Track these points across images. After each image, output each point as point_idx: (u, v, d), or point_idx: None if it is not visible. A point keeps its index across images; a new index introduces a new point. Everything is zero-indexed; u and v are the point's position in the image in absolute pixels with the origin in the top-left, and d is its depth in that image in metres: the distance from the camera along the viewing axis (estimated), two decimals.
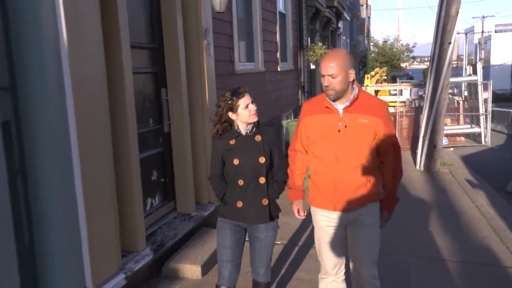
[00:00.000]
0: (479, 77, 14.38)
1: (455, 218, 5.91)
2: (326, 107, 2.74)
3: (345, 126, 2.69)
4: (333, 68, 2.61)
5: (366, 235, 2.85)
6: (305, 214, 2.92)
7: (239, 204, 2.90)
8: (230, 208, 2.94)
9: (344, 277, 2.98)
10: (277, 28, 8.59)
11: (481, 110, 14.08)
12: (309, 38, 11.57)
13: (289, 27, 9.72)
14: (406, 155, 11.19)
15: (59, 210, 2.82)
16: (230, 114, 2.85)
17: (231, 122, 2.89)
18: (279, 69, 8.62)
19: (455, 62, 58.53)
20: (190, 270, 4.05)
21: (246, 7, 7.17)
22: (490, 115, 14.16)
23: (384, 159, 2.82)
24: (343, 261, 2.96)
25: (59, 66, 2.77)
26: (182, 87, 4.73)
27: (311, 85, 12.25)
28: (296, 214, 2.90)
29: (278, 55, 8.68)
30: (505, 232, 5.34)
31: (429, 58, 9.83)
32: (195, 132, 4.98)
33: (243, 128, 2.89)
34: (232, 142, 2.88)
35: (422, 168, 9.39)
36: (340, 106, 2.72)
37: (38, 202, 2.65)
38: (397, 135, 13.02)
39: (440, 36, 9.07)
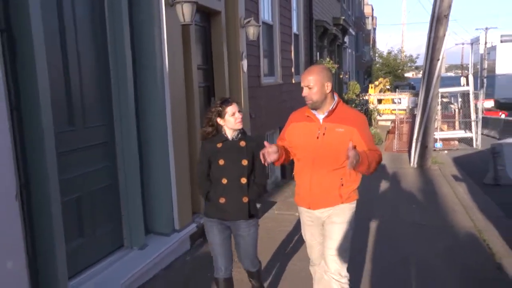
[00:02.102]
0: (470, 87, 15.92)
1: (435, 200, 7.48)
2: (307, 116, 3.00)
3: (323, 134, 2.91)
4: (310, 81, 2.87)
5: (333, 233, 3.02)
6: (273, 149, 2.87)
7: (222, 200, 3.14)
8: (213, 204, 3.19)
9: None
10: (292, 47, 10.26)
11: (473, 116, 15.60)
12: (318, 53, 13.21)
13: (302, 46, 11.38)
14: (404, 156, 12.81)
15: (160, 167, 4.54)
16: (219, 120, 3.12)
17: (219, 127, 3.16)
18: (293, 81, 10.25)
19: (459, 71, 59.90)
20: None
21: (268, 32, 8.84)
22: (481, 121, 15.64)
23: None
24: None
25: (163, 80, 4.48)
26: (226, 96, 6.38)
27: None
28: (266, 143, 2.89)
29: (292, 70, 10.33)
30: (472, 209, 6.91)
31: None
32: None
33: (229, 134, 3.15)
34: (219, 145, 3.13)
35: (415, 166, 10.96)
36: (320, 116, 2.96)
37: (149, 161, 4.36)
38: (397, 140, 14.54)
39: (431, 53, 10.68)
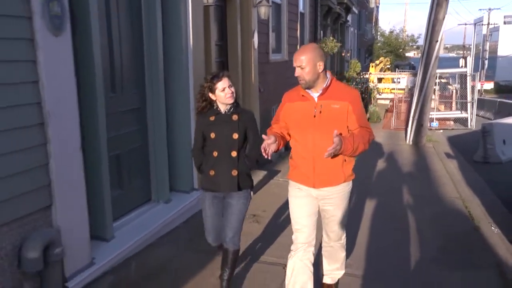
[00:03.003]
0: (468, 69, 16.41)
1: (427, 174, 8.12)
2: (302, 95, 2.98)
3: (320, 112, 2.90)
4: (302, 61, 2.84)
5: (334, 211, 3.11)
6: (272, 140, 2.85)
7: (212, 172, 3.21)
8: (206, 176, 3.27)
9: (312, 257, 3.11)
10: (298, 25, 10.75)
11: (469, 98, 16.16)
12: (322, 32, 13.69)
13: (307, 24, 11.86)
14: (401, 133, 13.39)
15: (183, 131, 5.17)
16: (210, 95, 3.17)
17: (211, 102, 3.20)
18: None
19: (461, 52, 60.01)
20: None
21: (276, 11, 9.32)
22: (476, 102, 16.21)
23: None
24: (313, 235, 3.13)
25: (188, 55, 5.06)
26: (239, 71, 6.94)
27: None
28: (265, 137, 2.86)
29: (298, 47, 10.84)
30: (459, 183, 7.55)
31: None
32: (247, 102, 7.20)
33: (222, 108, 3.19)
34: (212, 118, 3.18)
35: (411, 143, 11.55)
36: (315, 94, 2.94)
37: (174, 126, 4.96)
38: (395, 118, 15.09)
39: (430, 35, 11.16)
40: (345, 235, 3.32)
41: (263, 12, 7.28)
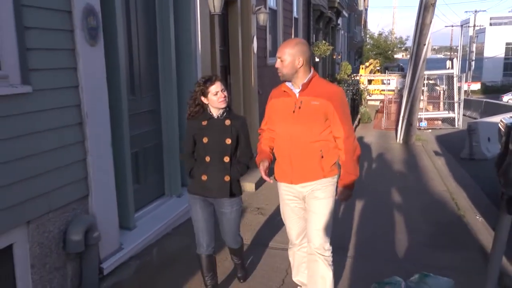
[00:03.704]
0: (455, 71, 17.02)
1: (416, 169, 8.63)
2: (284, 91, 3.01)
3: (299, 108, 2.92)
4: (283, 53, 2.88)
5: (317, 208, 3.02)
6: (270, 178, 2.98)
7: (204, 177, 3.15)
8: (197, 181, 3.20)
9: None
10: (292, 30, 11.23)
11: (456, 98, 16.76)
12: (314, 36, 14.18)
13: (300, 28, 12.35)
14: (391, 133, 13.92)
15: None
16: (203, 98, 3.12)
17: (204, 106, 3.16)
18: None
19: (449, 53, 61.00)
20: (249, 186, 6.69)
21: (273, 17, 9.79)
22: (462, 103, 16.83)
23: (338, 141, 2.97)
24: (305, 232, 3.19)
25: (196, 61, 5.48)
26: (240, 75, 7.38)
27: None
28: (263, 174, 2.96)
29: None
30: (447, 177, 8.06)
31: None
32: (248, 103, 7.64)
33: (215, 112, 3.15)
34: (204, 123, 3.13)
35: (401, 141, 12.07)
36: (296, 90, 2.96)
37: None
38: (385, 118, 15.66)
39: (418, 38, 11.70)
40: (329, 246, 3.09)
41: (262, 19, 7.73)
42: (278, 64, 2.93)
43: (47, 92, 3.10)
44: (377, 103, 19.28)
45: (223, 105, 3.12)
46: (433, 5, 11.36)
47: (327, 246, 3.05)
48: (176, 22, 5.19)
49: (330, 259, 3.08)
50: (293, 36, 11.30)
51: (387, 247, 4.64)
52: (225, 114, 3.17)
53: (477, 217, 5.77)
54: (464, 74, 17.87)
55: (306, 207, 3.09)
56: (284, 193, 3.16)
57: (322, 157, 2.96)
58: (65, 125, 3.31)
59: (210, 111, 3.16)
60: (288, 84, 2.98)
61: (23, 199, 2.96)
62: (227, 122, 3.15)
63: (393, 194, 6.76)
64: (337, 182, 3.07)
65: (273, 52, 9.94)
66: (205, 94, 3.10)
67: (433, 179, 7.84)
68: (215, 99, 3.08)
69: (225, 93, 3.14)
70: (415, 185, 7.41)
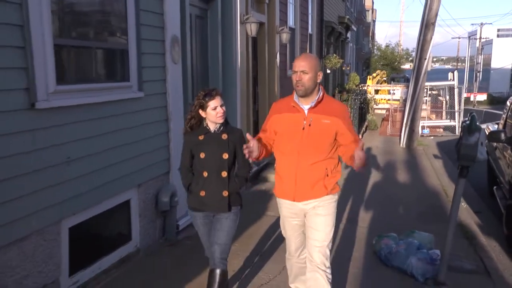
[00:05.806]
0: (455, 82, 18.26)
1: (416, 169, 9.93)
2: (293, 106, 2.93)
3: (309, 125, 2.87)
4: (305, 66, 2.82)
5: (319, 225, 3.00)
6: (255, 147, 2.85)
7: (202, 193, 3.12)
8: (195, 196, 3.17)
9: (305, 258, 3.18)
10: (307, 45, 12.62)
11: (456, 107, 17.99)
12: (326, 49, 15.57)
13: (314, 43, 13.74)
14: (395, 139, 15.11)
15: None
16: (201, 111, 3.08)
17: (201, 120, 3.12)
18: None
19: (455, 64, 61.83)
20: (272, 177, 8.01)
21: (292, 35, 11.17)
22: (463, 112, 18.04)
23: (350, 145, 2.92)
24: (304, 245, 3.21)
25: (236, 74, 6.85)
26: (266, 85, 8.77)
27: (326, 83, 16.27)
28: (248, 135, 2.93)
29: None
30: (442, 175, 9.34)
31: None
32: None
33: (212, 126, 3.12)
34: (201, 137, 3.09)
35: (404, 146, 13.32)
36: (305, 106, 2.90)
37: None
38: (390, 126, 17.02)
39: (419, 53, 13.00)
40: (329, 264, 3.09)
41: (284, 38, 9.12)
42: (299, 76, 2.85)
43: (151, 97, 4.49)
44: (383, 111, 20.32)
45: (221, 120, 3.10)
46: (433, 23, 12.68)
47: (328, 263, 3.06)
48: (223, 43, 6.57)
49: (330, 276, 3.06)
50: (308, 50, 12.69)
51: (388, 220, 5.97)
52: (222, 128, 3.15)
53: (462, 204, 7.06)
54: (464, 86, 19.02)
55: (307, 223, 3.08)
56: (285, 211, 3.15)
57: (327, 175, 2.98)
58: (159, 120, 4.69)
59: (207, 125, 3.14)
60: (295, 99, 2.97)
61: (137, 169, 4.35)
62: (224, 136, 3.13)
63: (395, 186, 8.07)
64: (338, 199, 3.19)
65: (291, 65, 11.33)
66: (203, 108, 3.08)
67: (430, 176, 9.13)
68: (214, 113, 3.06)
69: (224, 108, 3.12)
70: (414, 180, 8.71)
